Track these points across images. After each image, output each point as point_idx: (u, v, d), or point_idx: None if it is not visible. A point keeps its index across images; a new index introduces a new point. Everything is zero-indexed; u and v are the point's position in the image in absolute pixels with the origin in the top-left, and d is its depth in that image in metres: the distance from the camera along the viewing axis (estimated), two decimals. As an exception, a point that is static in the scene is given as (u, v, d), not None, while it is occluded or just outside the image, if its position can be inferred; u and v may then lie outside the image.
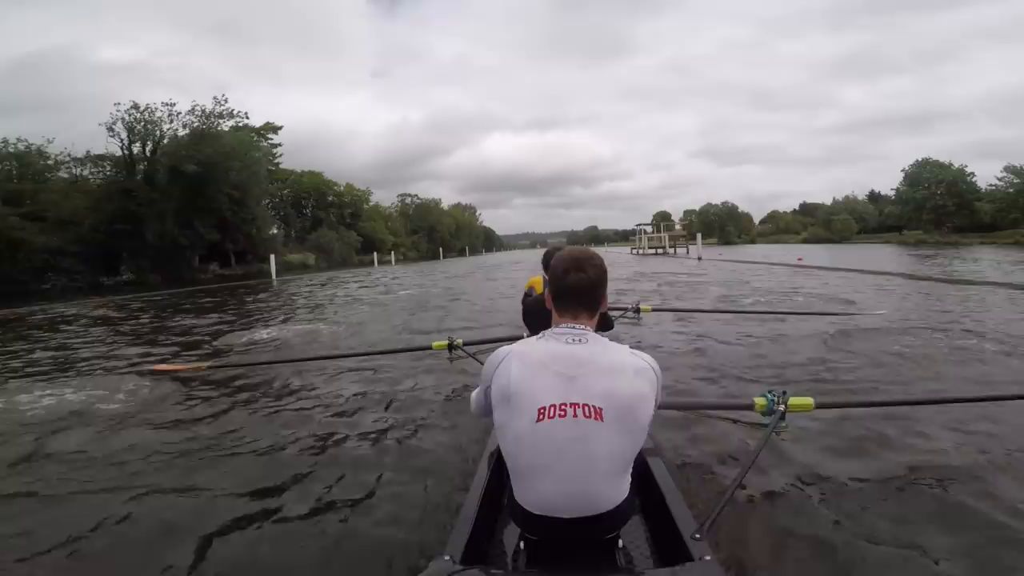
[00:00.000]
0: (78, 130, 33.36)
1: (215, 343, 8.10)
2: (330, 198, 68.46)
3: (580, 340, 1.55)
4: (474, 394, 1.83)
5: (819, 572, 2.09)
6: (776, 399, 2.74)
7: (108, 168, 36.47)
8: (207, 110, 37.53)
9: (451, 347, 4.81)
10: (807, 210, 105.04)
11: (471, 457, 2.85)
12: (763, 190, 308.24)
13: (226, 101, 38.93)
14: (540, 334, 1.64)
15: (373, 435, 3.64)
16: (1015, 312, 7.89)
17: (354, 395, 4.61)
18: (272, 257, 34.08)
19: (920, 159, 65.49)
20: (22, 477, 3.23)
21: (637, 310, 6.87)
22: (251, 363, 5.85)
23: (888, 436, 3.19)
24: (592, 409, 1.47)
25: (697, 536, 1.60)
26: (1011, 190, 53.76)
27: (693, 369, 5.07)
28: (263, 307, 14.42)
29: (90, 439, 3.79)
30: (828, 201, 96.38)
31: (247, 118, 41.37)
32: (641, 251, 49.37)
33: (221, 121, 38.51)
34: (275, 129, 54.82)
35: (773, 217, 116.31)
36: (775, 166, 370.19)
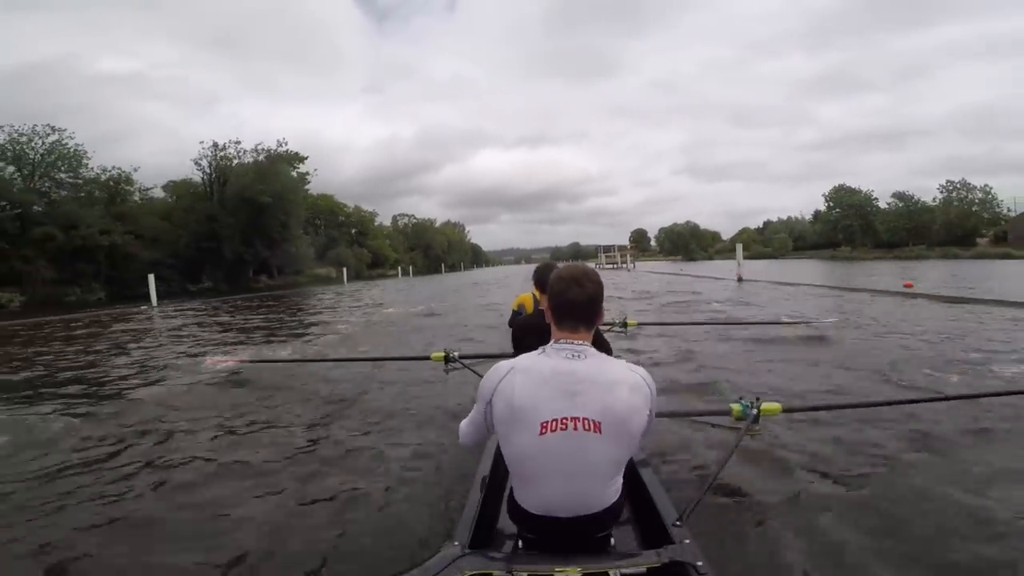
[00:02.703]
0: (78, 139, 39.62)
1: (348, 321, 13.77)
2: (340, 218, 78.40)
3: (580, 356, 1.64)
4: (464, 423, 1.91)
5: (789, 552, 2.41)
6: (749, 404, 3.03)
7: (188, 195, 46.51)
8: (272, 150, 48.40)
9: (447, 359, 4.83)
10: (768, 228, 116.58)
11: (470, 456, 2.87)
12: (744, 206, 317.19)
13: (287, 143, 49.91)
14: (540, 349, 1.71)
15: (380, 433, 4.09)
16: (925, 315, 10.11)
17: (363, 395, 5.24)
18: (344, 269, 45.97)
19: (837, 185, 78.92)
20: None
21: (624, 324, 6.72)
22: (278, 360, 6.33)
23: (849, 435, 3.84)
24: (591, 423, 1.58)
25: (678, 523, 1.81)
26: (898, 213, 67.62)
27: (676, 379, 5.70)
28: (366, 300, 23.84)
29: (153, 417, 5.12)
30: (808, 215, 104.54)
31: (301, 162, 51.83)
32: (600, 266, 61.29)
33: (279, 158, 49.15)
34: (302, 159, 64.59)
35: (744, 233, 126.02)
36: (755, 182, 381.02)
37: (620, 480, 1.71)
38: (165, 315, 20.07)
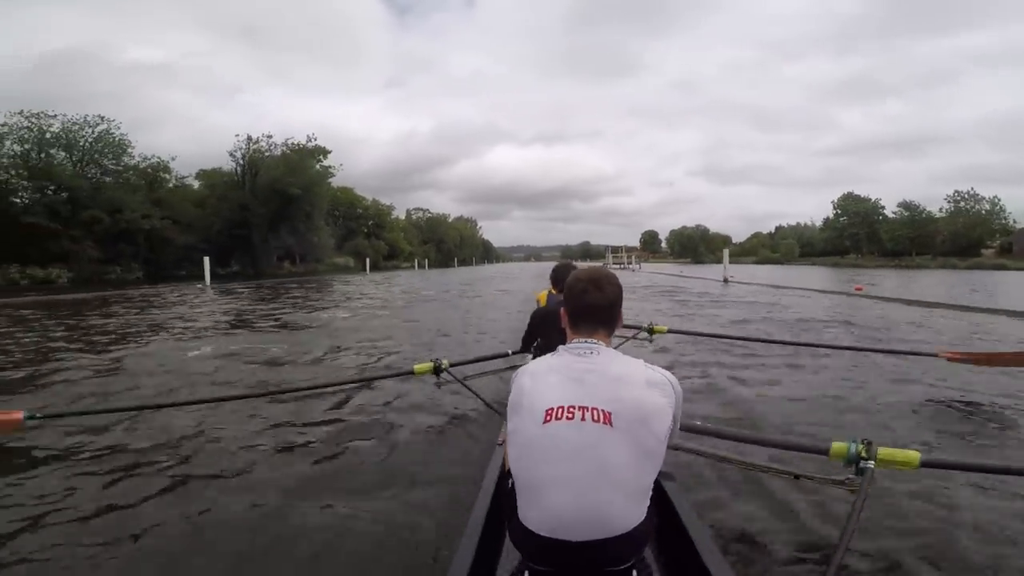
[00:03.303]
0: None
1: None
2: (359, 211, 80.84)
3: (592, 352, 1.55)
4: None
5: None
6: (860, 448, 2.06)
7: (222, 184, 48.89)
8: (301, 145, 50.73)
9: (437, 370, 3.97)
10: (778, 234, 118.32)
11: (468, 486, 2.74)
12: (760, 210, 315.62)
13: (315, 139, 52.23)
14: (553, 352, 1.64)
15: (366, 464, 3.49)
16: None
17: (340, 424, 4.29)
18: (367, 260, 47.82)
19: (845, 193, 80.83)
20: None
21: (650, 330, 5.67)
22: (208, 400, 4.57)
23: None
24: (600, 413, 1.42)
25: None
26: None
27: (728, 404, 4.71)
28: (402, 285, 26.38)
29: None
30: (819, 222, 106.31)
31: (325, 156, 54.01)
32: (608, 265, 63.41)
33: (308, 153, 51.53)
34: (326, 152, 67.03)
35: (757, 238, 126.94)
36: (774, 186, 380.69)
37: (647, 503, 1.45)
38: (220, 293, 22.35)
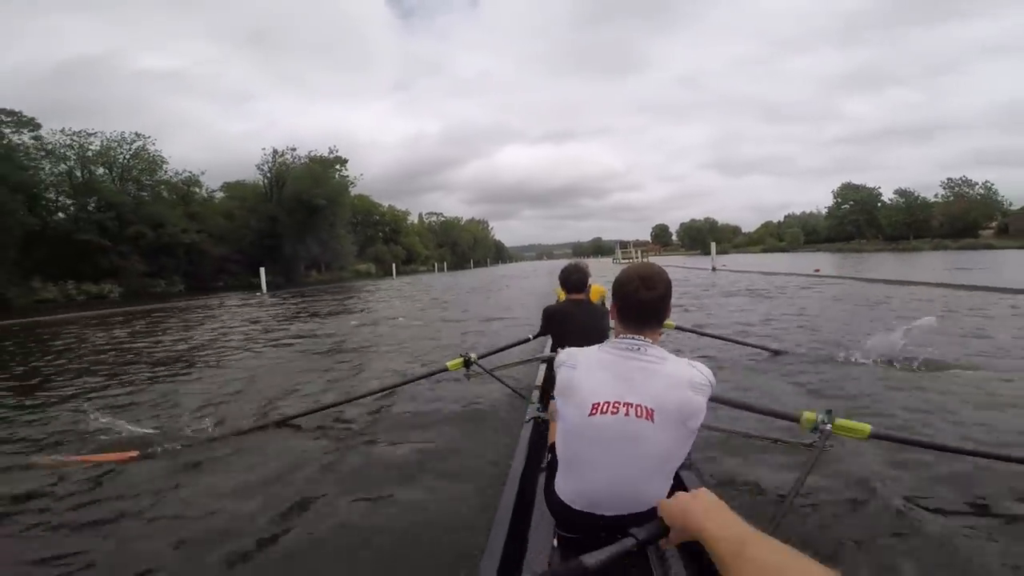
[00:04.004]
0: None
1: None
2: (375, 217, 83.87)
3: (640, 350, 1.62)
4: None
5: None
6: (825, 418, 2.46)
7: (252, 196, 52.10)
8: (324, 157, 54.02)
9: (467, 363, 4.38)
10: (785, 223, 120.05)
11: (500, 467, 2.97)
12: (771, 200, 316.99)
13: (337, 151, 55.56)
14: (601, 345, 1.71)
15: (409, 454, 3.76)
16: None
17: (384, 423, 4.59)
18: (394, 265, 52.65)
19: (845, 182, 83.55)
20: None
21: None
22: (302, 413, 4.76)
23: (950, 487, 2.90)
24: (644, 410, 1.53)
25: None
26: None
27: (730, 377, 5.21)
28: (438, 285, 29.60)
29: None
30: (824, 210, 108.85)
31: (343, 165, 57.05)
32: (617, 260, 65.98)
33: (329, 163, 54.73)
34: (343, 162, 68.06)
35: (766, 227, 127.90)
36: (784, 177, 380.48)
37: (670, 482, 1.63)
38: (280, 299, 24.37)
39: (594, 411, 1.57)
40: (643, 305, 1.64)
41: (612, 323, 1.76)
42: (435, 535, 2.58)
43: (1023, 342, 6.43)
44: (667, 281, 1.67)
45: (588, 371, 1.64)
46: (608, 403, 1.57)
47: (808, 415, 2.47)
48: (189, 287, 41.51)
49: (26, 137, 33.60)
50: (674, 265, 37.99)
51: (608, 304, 2.05)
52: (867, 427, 2.45)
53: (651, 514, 1.34)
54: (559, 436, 1.72)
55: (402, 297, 22.40)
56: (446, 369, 4.46)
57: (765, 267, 27.89)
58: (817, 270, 21.72)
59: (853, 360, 5.69)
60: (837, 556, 2.33)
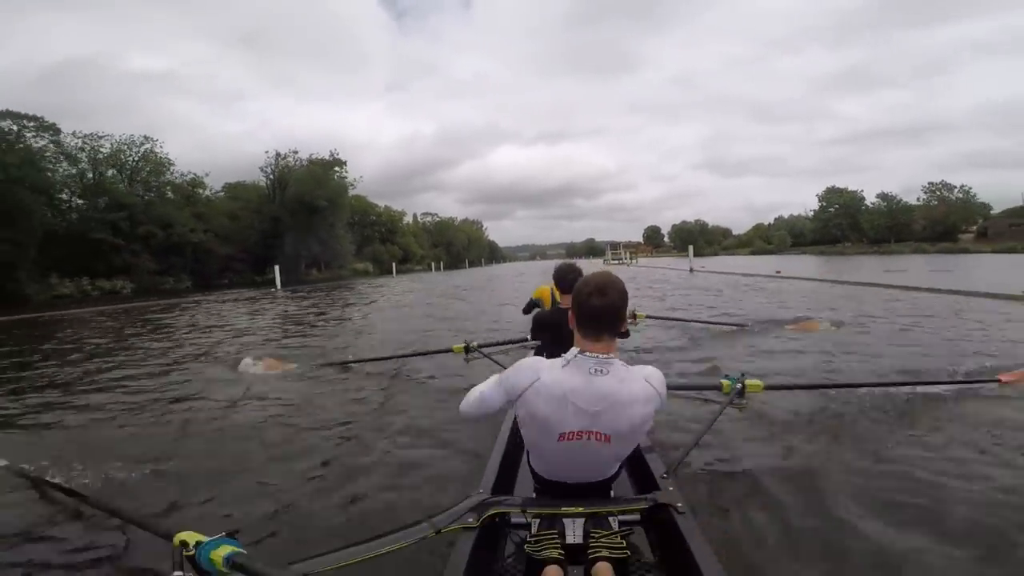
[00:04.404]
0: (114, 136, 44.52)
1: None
2: (372, 217, 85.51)
3: (602, 372, 1.74)
4: (474, 395, 1.99)
5: (757, 498, 2.79)
6: (736, 380, 3.65)
7: (256, 198, 54.00)
8: (325, 160, 55.84)
9: (468, 349, 5.29)
10: (773, 225, 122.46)
11: (492, 429, 3.22)
12: (763, 201, 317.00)
13: (338, 154, 57.43)
14: (564, 359, 1.80)
15: (414, 415, 4.45)
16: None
17: (395, 389, 5.31)
18: (394, 264, 54.62)
19: (829, 186, 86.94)
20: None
21: (633, 316, 7.04)
22: (327, 363, 6.73)
23: (823, 412, 4.10)
24: (604, 436, 1.77)
25: (665, 475, 2.16)
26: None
27: (676, 362, 6.07)
28: (443, 283, 32.66)
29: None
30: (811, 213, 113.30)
31: (341, 167, 58.81)
32: (607, 262, 68.43)
33: (329, 165, 56.50)
34: (341, 163, 69.38)
35: (757, 230, 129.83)
36: (776, 177, 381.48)
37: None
38: (293, 295, 25.90)
39: (562, 439, 1.78)
40: (596, 312, 1.73)
41: (572, 328, 1.84)
42: (438, 474, 3.29)
43: (886, 321, 8.78)
44: (621, 290, 1.76)
45: (555, 405, 1.75)
46: (575, 432, 1.76)
47: (725, 382, 3.69)
48: (195, 284, 43.04)
49: (45, 140, 35.13)
50: (658, 266, 40.29)
51: None
52: (760, 383, 3.70)
53: (606, 480, 1.96)
54: (529, 445, 1.99)
55: (418, 291, 24.87)
56: (450, 350, 5.57)
57: (740, 269, 29.92)
58: (778, 272, 23.74)
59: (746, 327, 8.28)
60: (740, 466, 3.18)
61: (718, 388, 3.74)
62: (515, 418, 2.17)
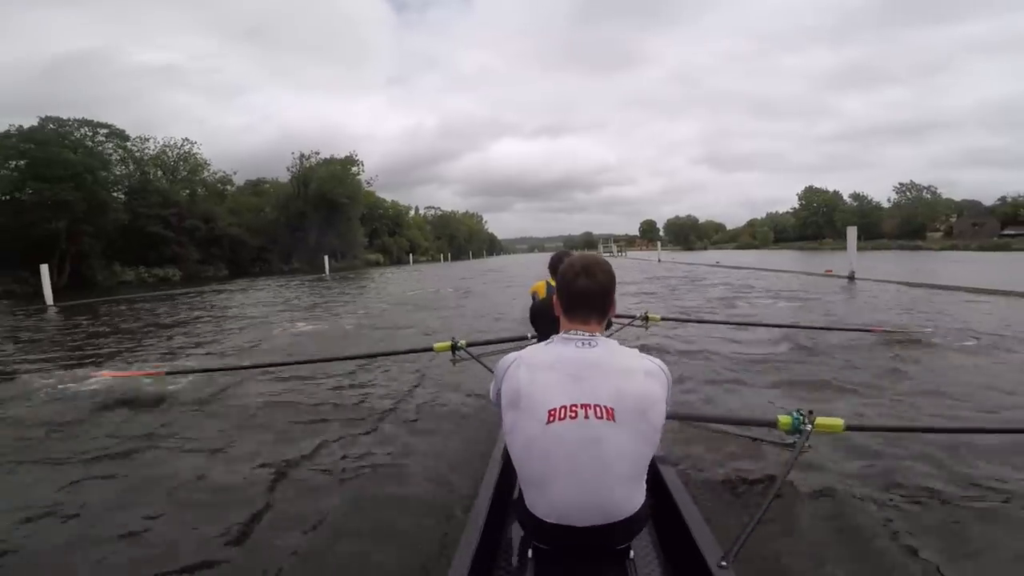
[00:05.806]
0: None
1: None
2: (379, 211, 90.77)
3: (589, 344, 1.55)
4: (492, 385, 1.77)
5: None
6: (802, 418, 2.60)
7: (283, 194, 59.37)
8: (344, 158, 61.31)
9: (455, 348, 4.49)
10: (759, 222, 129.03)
11: (477, 460, 2.86)
12: (762, 196, 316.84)
13: (356, 154, 62.68)
14: (549, 339, 1.64)
15: (381, 438, 3.77)
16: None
17: (357, 398, 4.69)
18: (411, 255, 58.25)
19: (808, 186, 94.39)
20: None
21: (645, 318, 6.15)
22: (248, 366, 5.59)
23: (927, 464, 3.04)
24: (603, 409, 1.46)
25: (723, 564, 1.53)
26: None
27: (709, 382, 4.96)
28: (461, 270, 38.30)
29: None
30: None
31: (355, 164, 64.34)
32: (601, 253, 74.25)
33: (348, 163, 62.12)
34: (358, 163, 72.82)
35: (751, 225, 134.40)
36: (775, 173, 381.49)
37: (643, 486, 1.56)
38: (340, 280, 30.94)
39: (551, 418, 1.48)
40: (582, 293, 1.60)
41: (558, 315, 1.66)
42: (409, 527, 2.62)
43: (764, 304, 13.20)
44: (608, 271, 1.63)
45: (537, 373, 1.54)
46: (565, 407, 1.48)
47: (783, 418, 2.68)
48: (232, 273, 47.86)
49: (112, 144, 40.66)
50: (639, 258, 46.18)
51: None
52: (840, 421, 2.67)
53: (624, 524, 1.49)
54: (515, 452, 1.57)
55: (446, 277, 29.87)
56: (431, 349, 4.72)
57: (699, 260, 35.27)
58: (717, 262, 29.31)
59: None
60: (822, 553, 2.34)
61: (771, 424, 2.79)
62: (503, 457, 2.11)
